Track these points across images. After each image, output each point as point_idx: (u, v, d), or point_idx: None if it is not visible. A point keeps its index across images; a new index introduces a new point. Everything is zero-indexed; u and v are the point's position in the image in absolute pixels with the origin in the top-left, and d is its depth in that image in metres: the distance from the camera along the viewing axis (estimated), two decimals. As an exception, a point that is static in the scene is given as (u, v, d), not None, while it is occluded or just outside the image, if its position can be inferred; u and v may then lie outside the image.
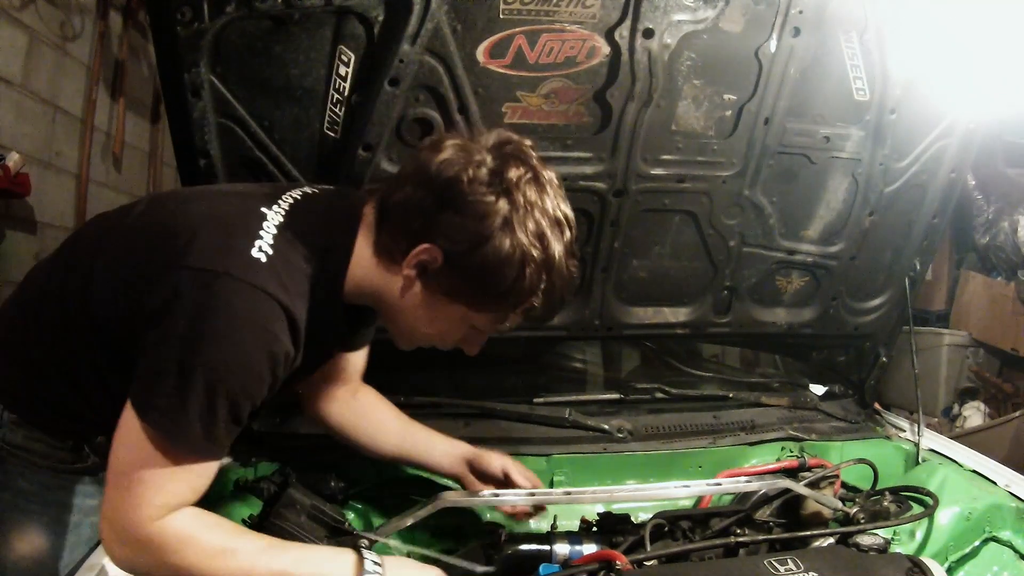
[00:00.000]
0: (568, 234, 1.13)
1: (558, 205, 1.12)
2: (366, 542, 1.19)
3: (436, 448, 1.51)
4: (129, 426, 1.00)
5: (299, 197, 1.16)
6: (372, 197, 1.18)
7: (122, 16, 3.67)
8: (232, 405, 1.01)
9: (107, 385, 1.19)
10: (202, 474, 1.04)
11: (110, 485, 1.01)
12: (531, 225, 1.08)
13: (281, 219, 1.09)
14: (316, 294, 1.10)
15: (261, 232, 1.05)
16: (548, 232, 1.09)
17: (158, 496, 0.99)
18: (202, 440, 1.00)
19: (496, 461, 1.48)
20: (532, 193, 1.09)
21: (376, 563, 1.09)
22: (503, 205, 1.06)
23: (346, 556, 1.10)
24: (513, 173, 1.08)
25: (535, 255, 1.08)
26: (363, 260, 1.15)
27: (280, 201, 1.13)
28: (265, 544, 1.08)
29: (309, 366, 1.20)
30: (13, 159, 2.74)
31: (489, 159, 1.09)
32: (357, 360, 1.49)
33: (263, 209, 1.10)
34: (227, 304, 0.99)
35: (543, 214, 1.09)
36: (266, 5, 1.36)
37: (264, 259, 1.03)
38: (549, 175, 1.13)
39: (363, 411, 1.51)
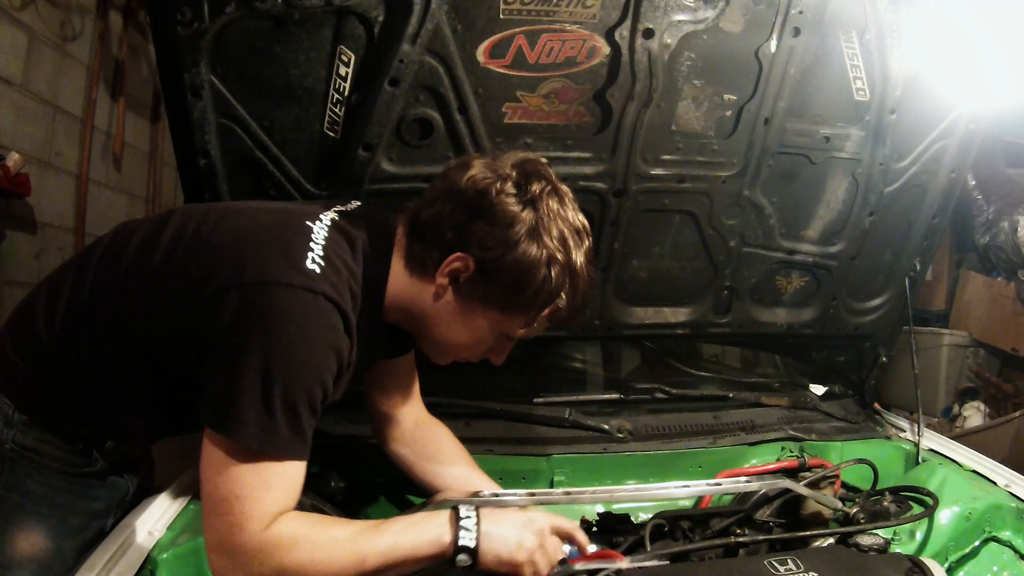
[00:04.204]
0: (587, 242, 1.23)
1: (577, 215, 1.22)
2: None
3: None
4: (215, 451, 1.03)
5: (337, 216, 1.21)
6: (401, 215, 1.26)
7: (122, 16, 3.66)
8: (309, 401, 1.06)
9: (126, 392, 1.22)
10: (296, 476, 1.07)
11: (210, 515, 1.04)
12: (555, 231, 1.17)
13: (326, 234, 1.15)
14: (361, 304, 1.17)
15: (311, 245, 1.12)
16: (570, 238, 1.19)
17: (260, 507, 1.02)
18: (292, 441, 1.05)
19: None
20: (554, 204, 1.19)
21: (468, 512, 1.14)
22: (529, 214, 1.16)
23: (442, 514, 1.14)
24: (536, 186, 1.18)
25: (559, 257, 1.17)
26: (398, 274, 1.23)
27: (322, 217, 1.19)
28: (366, 526, 1.12)
29: (355, 372, 1.25)
30: (13, 159, 2.73)
31: (514, 174, 1.18)
32: (409, 386, 1.52)
33: (308, 223, 1.16)
34: (291, 312, 1.05)
35: (565, 222, 1.19)
36: (266, 5, 1.36)
37: (318, 270, 1.09)
38: (565, 189, 1.23)
39: (423, 444, 1.52)
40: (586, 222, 1.24)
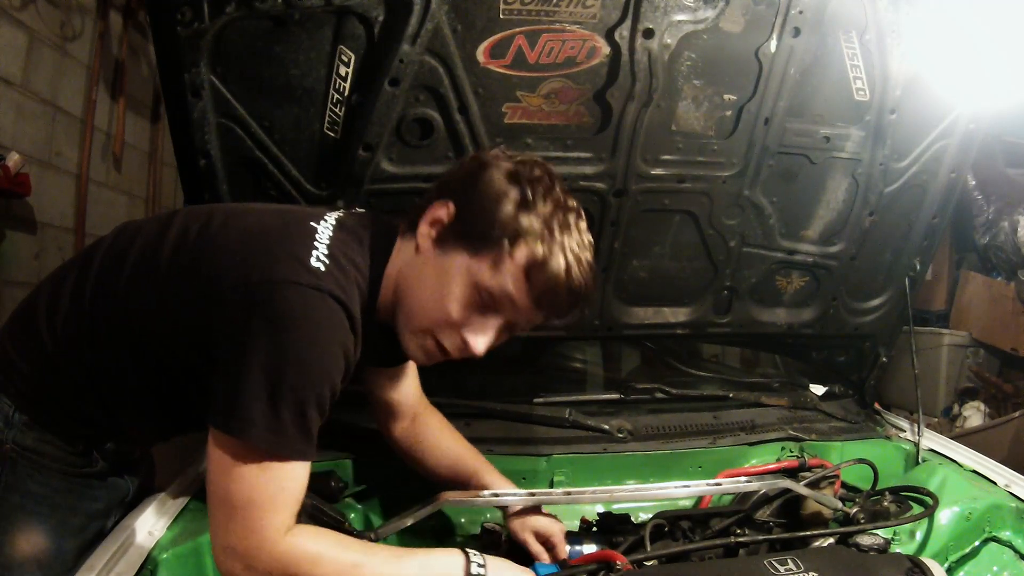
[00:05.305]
0: (571, 216, 1.18)
1: (567, 196, 1.20)
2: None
3: (481, 480, 1.49)
4: (223, 453, 1.03)
5: (342, 216, 1.22)
6: (404, 216, 1.27)
7: (122, 16, 3.66)
8: (319, 400, 1.06)
9: (128, 394, 1.21)
10: (304, 477, 1.07)
11: (221, 515, 1.04)
12: (540, 189, 1.16)
13: (331, 233, 1.15)
14: (367, 301, 1.17)
15: (315, 243, 1.11)
16: (551, 199, 1.16)
17: (277, 513, 1.03)
18: (300, 442, 1.05)
19: (542, 522, 1.45)
20: (545, 180, 1.18)
21: (480, 564, 1.16)
22: (511, 165, 1.19)
23: (457, 558, 1.16)
24: (532, 170, 1.18)
25: (530, 198, 1.14)
26: (394, 257, 1.22)
27: (327, 217, 1.20)
28: (388, 554, 1.14)
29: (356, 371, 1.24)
30: (13, 159, 2.74)
31: (514, 164, 1.19)
32: (408, 382, 1.53)
33: (312, 223, 1.16)
34: (300, 311, 1.04)
35: (549, 189, 1.17)
36: (266, 5, 1.36)
37: (323, 267, 1.08)
38: (575, 205, 1.21)
39: (419, 437, 1.54)
40: (576, 203, 1.21)
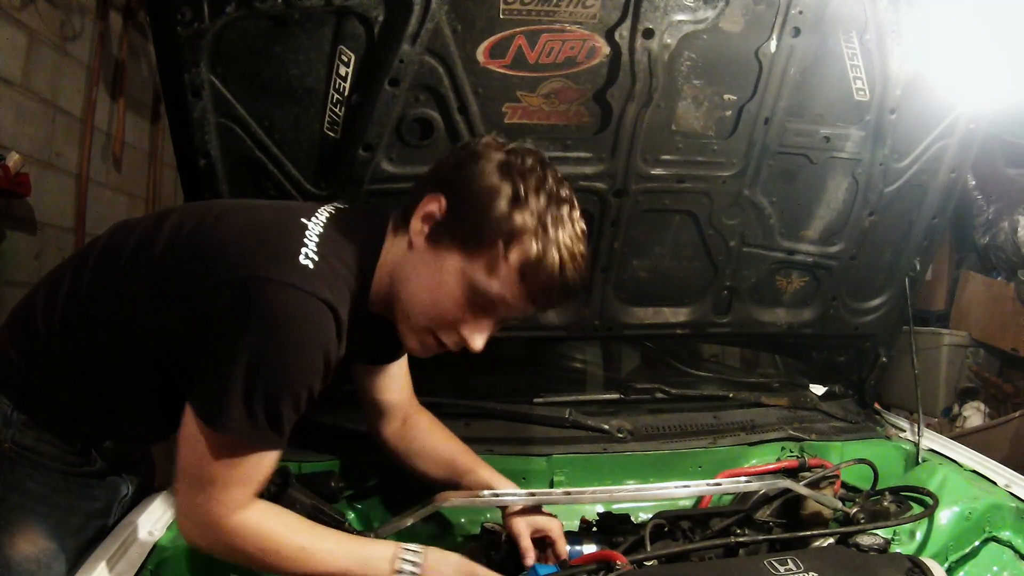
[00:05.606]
0: (564, 207, 1.17)
1: (560, 186, 1.19)
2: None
3: (476, 477, 1.48)
4: (195, 432, 1.07)
5: (334, 212, 1.22)
6: (395, 210, 1.27)
7: (122, 16, 3.66)
8: (294, 400, 1.08)
9: (127, 393, 1.22)
10: (270, 463, 1.12)
11: (184, 483, 1.10)
12: (532, 181, 1.15)
13: (321, 229, 1.15)
14: (356, 296, 1.17)
15: (305, 240, 1.12)
16: (543, 191, 1.15)
17: (234, 492, 1.09)
18: (271, 436, 1.08)
19: (540, 521, 1.44)
20: (537, 168, 1.17)
21: (411, 559, 1.17)
22: (502, 156, 1.17)
23: (388, 549, 1.19)
24: (524, 158, 1.17)
25: (523, 194, 1.13)
26: (385, 250, 1.22)
27: (319, 213, 1.20)
28: (332, 541, 1.17)
29: (344, 367, 1.26)
30: (13, 159, 2.73)
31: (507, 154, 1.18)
32: (399, 383, 1.53)
33: (303, 219, 1.16)
34: (283, 310, 1.05)
35: (541, 180, 1.16)
36: (266, 5, 1.36)
37: (311, 265, 1.09)
38: (567, 195, 1.20)
39: (411, 439, 1.54)
40: (568, 191, 1.20)
